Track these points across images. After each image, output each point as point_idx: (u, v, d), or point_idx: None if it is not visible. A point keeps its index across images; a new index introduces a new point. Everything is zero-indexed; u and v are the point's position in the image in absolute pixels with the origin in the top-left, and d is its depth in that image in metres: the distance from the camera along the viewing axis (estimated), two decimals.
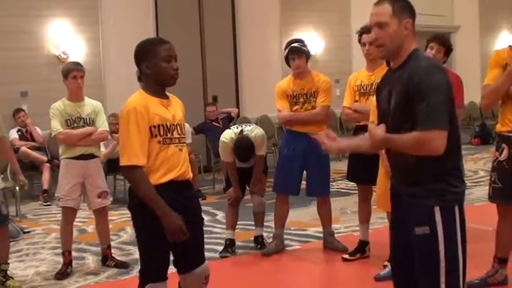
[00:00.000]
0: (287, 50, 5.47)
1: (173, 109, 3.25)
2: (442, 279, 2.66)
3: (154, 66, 3.17)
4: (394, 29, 2.70)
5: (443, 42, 5.24)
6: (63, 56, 9.80)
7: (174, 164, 3.16)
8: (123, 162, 3.08)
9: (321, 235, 5.84)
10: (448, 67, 5.68)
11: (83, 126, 5.23)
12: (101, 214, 5.46)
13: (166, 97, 3.27)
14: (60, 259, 5.40)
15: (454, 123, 2.67)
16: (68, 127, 5.19)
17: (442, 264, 2.65)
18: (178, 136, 3.21)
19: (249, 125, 5.71)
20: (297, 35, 10.69)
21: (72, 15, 9.94)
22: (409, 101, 2.62)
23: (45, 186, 8.65)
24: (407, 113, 2.64)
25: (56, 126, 5.16)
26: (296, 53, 5.41)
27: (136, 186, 3.10)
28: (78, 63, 5.43)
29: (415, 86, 2.59)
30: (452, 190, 2.69)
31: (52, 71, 9.66)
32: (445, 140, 2.58)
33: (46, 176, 8.73)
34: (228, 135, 5.57)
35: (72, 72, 5.20)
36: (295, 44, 5.46)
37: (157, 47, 3.19)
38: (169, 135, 3.16)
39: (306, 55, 5.44)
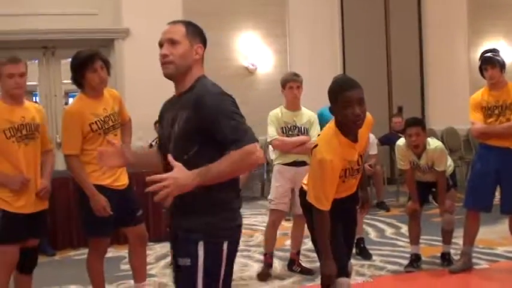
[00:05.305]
0: (480, 61, 5.31)
1: None
2: None
3: None
4: (185, 49, 2.69)
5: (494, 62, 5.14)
6: (251, 67, 10.22)
7: None
8: None
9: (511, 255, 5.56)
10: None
11: (297, 135, 5.39)
12: (300, 219, 5.60)
13: None
14: (247, 261, 5.72)
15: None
16: (282, 134, 5.39)
17: None
18: None
19: (431, 138, 5.59)
20: (485, 44, 10.26)
21: (260, 27, 10.34)
22: (200, 124, 2.53)
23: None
24: (194, 138, 2.56)
25: (272, 132, 5.39)
26: (488, 63, 5.23)
27: None
28: (295, 74, 5.60)
29: (209, 108, 2.52)
30: (222, 226, 2.59)
31: (241, 82, 10.12)
32: (261, 150, 2.54)
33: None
34: (403, 140, 5.52)
35: (288, 83, 5.45)
36: (487, 54, 5.30)
37: None
38: None
39: (500, 65, 5.23)
